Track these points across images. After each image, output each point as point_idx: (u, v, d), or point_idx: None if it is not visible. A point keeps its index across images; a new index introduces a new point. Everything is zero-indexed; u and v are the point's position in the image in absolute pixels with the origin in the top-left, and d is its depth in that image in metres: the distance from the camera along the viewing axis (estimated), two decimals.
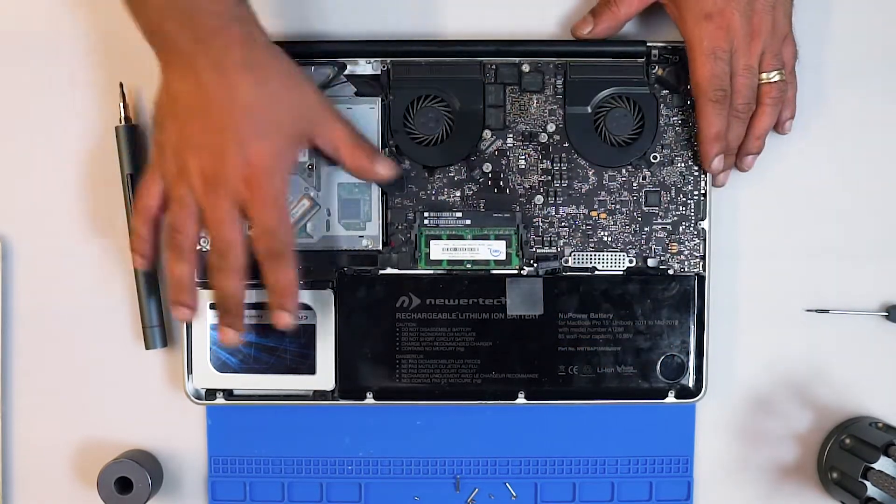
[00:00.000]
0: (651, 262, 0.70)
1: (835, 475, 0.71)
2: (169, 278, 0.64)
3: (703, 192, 0.70)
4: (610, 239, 0.70)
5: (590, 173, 0.70)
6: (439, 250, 0.70)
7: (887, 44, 0.72)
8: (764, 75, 0.66)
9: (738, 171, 0.70)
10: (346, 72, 0.69)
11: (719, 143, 0.67)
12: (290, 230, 0.63)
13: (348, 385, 0.70)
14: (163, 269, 0.71)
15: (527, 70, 0.69)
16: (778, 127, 0.69)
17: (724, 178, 0.69)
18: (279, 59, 0.62)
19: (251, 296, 0.69)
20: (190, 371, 0.70)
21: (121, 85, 0.70)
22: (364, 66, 0.69)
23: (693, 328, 0.69)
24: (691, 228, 0.70)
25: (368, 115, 0.69)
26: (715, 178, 0.69)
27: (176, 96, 0.60)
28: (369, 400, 0.70)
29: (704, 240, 0.70)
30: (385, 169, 0.66)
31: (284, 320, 0.63)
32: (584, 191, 0.70)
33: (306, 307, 0.69)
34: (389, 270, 0.70)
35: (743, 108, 0.66)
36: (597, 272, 0.70)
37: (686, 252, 0.70)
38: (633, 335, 0.70)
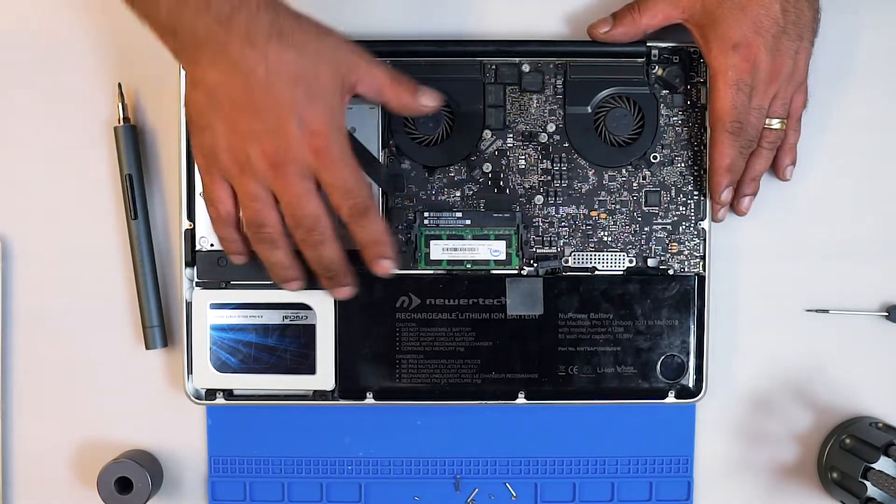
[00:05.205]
0: (651, 262, 0.70)
1: (835, 475, 0.71)
2: (270, 266, 0.64)
3: (703, 192, 0.70)
4: (610, 239, 0.70)
5: (590, 173, 0.70)
6: (439, 250, 0.70)
7: (887, 44, 0.72)
8: (767, 120, 0.66)
9: (735, 214, 0.70)
10: None
11: (731, 175, 0.67)
12: (366, 184, 0.62)
13: (348, 385, 0.70)
14: (161, 267, 0.71)
15: (527, 70, 0.69)
16: (778, 172, 0.70)
17: (723, 214, 0.70)
18: (302, 19, 0.60)
19: (251, 296, 0.69)
20: (190, 371, 0.70)
21: (119, 85, 0.70)
22: None
23: (693, 328, 0.69)
24: (691, 228, 0.70)
25: (368, 115, 0.69)
26: (716, 212, 0.69)
27: (213, 90, 0.58)
28: (369, 400, 0.70)
29: (704, 240, 0.70)
30: (430, 100, 0.64)
31: (384, 268, 0.64)
32: (584, 191, 0.70)
33: (306, 307, 0.69)
34: None
35: (747, 144, 0.66)
36: (597, 272, 0.70)
37: (686, 252, 0.70)
38: (633, 335, 0.70)
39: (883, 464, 0.68)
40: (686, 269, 0.70)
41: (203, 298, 0.69)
